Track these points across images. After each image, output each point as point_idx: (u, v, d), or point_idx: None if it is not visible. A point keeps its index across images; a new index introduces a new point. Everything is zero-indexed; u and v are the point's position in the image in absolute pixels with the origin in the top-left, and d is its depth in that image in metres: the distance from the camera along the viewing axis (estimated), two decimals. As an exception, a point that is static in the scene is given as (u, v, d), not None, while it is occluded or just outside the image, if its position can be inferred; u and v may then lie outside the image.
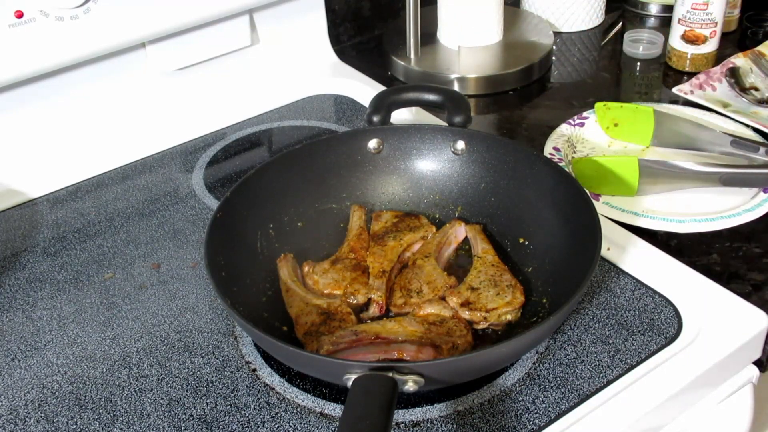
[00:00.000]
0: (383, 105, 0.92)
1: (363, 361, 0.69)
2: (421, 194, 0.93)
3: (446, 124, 0.92)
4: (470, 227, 0.87)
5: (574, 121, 1.09)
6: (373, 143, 0.92)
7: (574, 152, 1.05)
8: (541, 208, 0.85)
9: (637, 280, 0.83)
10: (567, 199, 0.82)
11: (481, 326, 0.77)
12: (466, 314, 0.77)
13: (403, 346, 0.72)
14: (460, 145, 0.91)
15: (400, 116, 1.09)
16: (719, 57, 1.21)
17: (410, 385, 0.63)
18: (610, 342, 0.77)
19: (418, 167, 0.93)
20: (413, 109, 1.11)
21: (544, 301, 0.79)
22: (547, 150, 1.04)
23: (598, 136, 1.08)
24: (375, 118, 0.92)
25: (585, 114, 1.10)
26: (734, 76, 1.16)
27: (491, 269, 0.81)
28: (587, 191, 0.81)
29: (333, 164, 0.91)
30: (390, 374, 0.62)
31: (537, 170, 0.86)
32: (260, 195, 0.86)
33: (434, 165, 0.92)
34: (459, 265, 0.85)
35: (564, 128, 1.08)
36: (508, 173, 0.89)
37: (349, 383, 0.63)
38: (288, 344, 0.67)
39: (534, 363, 0.75)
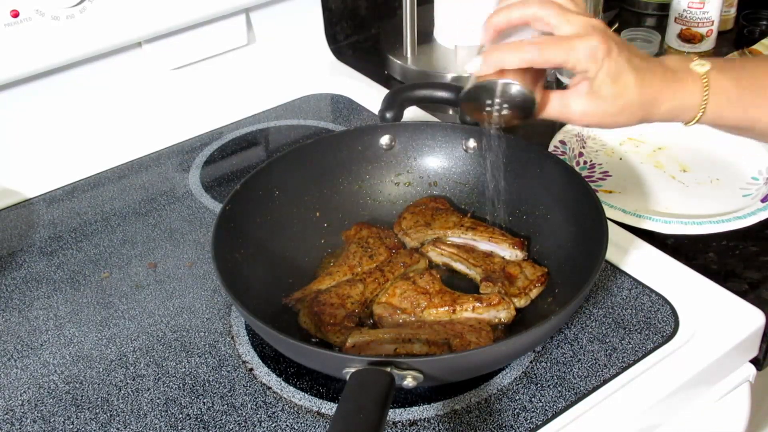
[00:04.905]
0: (396, 101, 0.92)
1: (362, 356, 0.69)
2: (432, 192, 0.93)
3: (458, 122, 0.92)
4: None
5: None
6: (385, 139, 0.92)
7: (583, 147, 1.05)
8: (550, 208, 0.85)
9: (634, 279, 0.83)
10: (576, 199, 0.82)
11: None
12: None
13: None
14: (472, 143, 0.91)
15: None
16: (716, 55, 1.21)
17: (409, 380, 0.63)
18: (607, 341, 0.77)
19: (430, 164, 0.93)
20: (415, 110, 1.10)
21: (549, 299, 0.79)
22: (554, 143, 1.04)
23: (610, 134, 1.08)
24: (388, 115, 0.92)
25: None
26: (731, 74, 1.16)
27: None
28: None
29: (344, 160, 0.91)
30: (388, 369, 0.62)
31: (548, 170, 0.86)
32: (270, 189, 0.86)
33: (446, 162, 0.93)
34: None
35: None
36: (518, 172, 0.88)
37: (348, 377, 0.63)
38: (291, 337, 0.67)
39: (531, 362, 0.75)
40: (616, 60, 0.70)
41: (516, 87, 0.71)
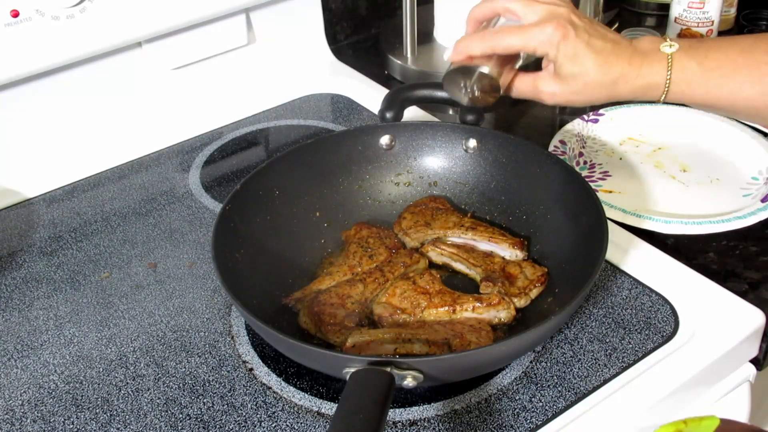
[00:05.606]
0: (396, 101, 0.92)
1: (363, 356, 0.69)
2: (432, 192, 0.93)
3: (458, 122, 0.92)
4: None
5: (587, 116, 1.09)
6: (385, 139, 0.92)
7: (583, 147, 1.05)
8: (551, 208, 0.85)
9: (635, 279, 0.83)
10: (576, 199, 0.82)
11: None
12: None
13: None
14: (472, 143, 0.91)
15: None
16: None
17: (409, 380, 0.63)
18: (607, 340, 0.77)
19: (430, 164, 0.93)
20: (415, 110, 1.10)
21: (549, 299, 0.79)
22: (554, 143, 1.04)
23: (610, 134, 1.08)
24: (388, 115, 0.91)
25: (600, 111, 1.10)
26: (731, 74, 1.16)
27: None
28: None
29: (344, 160, 0.91)
30: (388, 369, 0.62)
31: (548, 170, 0.86)
32: (270, 189, 0.86)
33: (446, 162, 0.93)
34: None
35: (576, 123, 1.08)
36: (519, 172, 0.89)
37: (348, 377, 0.63)
38: (291, 337, 0.67)
39: (531, 361, 0.75)
40: (573, 43, 0.77)
41: (479, 71, 0.82)
